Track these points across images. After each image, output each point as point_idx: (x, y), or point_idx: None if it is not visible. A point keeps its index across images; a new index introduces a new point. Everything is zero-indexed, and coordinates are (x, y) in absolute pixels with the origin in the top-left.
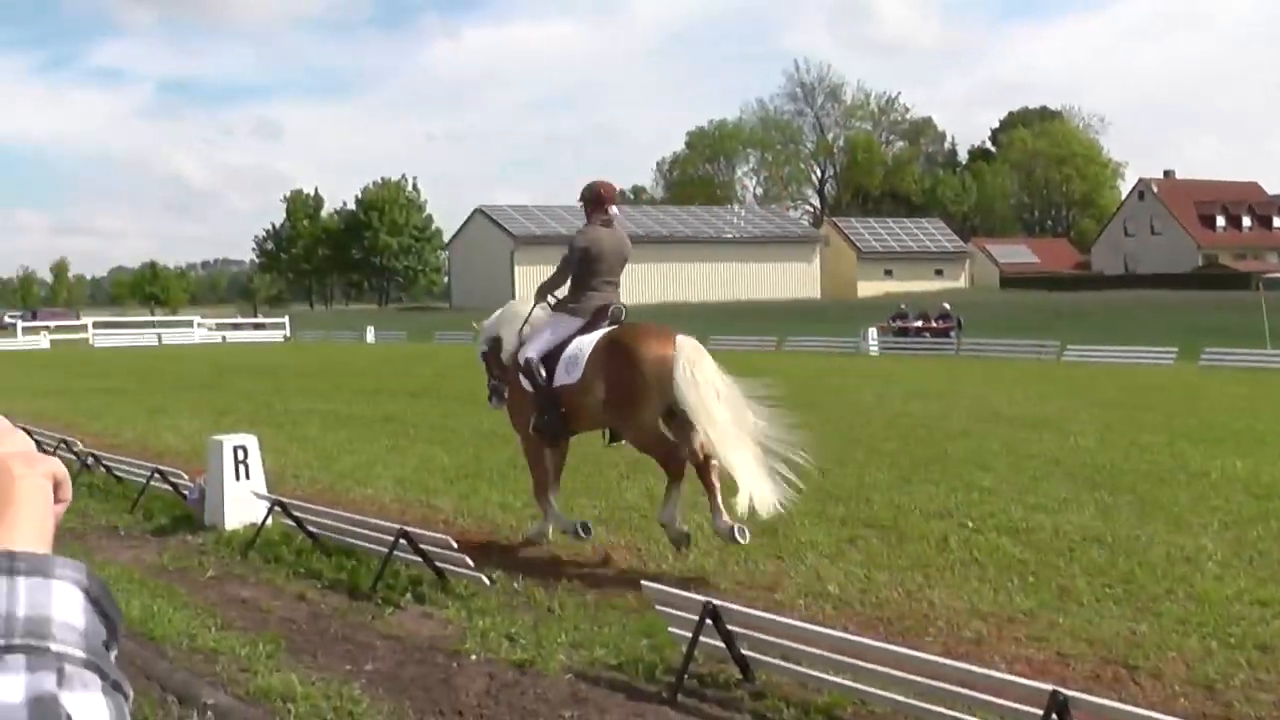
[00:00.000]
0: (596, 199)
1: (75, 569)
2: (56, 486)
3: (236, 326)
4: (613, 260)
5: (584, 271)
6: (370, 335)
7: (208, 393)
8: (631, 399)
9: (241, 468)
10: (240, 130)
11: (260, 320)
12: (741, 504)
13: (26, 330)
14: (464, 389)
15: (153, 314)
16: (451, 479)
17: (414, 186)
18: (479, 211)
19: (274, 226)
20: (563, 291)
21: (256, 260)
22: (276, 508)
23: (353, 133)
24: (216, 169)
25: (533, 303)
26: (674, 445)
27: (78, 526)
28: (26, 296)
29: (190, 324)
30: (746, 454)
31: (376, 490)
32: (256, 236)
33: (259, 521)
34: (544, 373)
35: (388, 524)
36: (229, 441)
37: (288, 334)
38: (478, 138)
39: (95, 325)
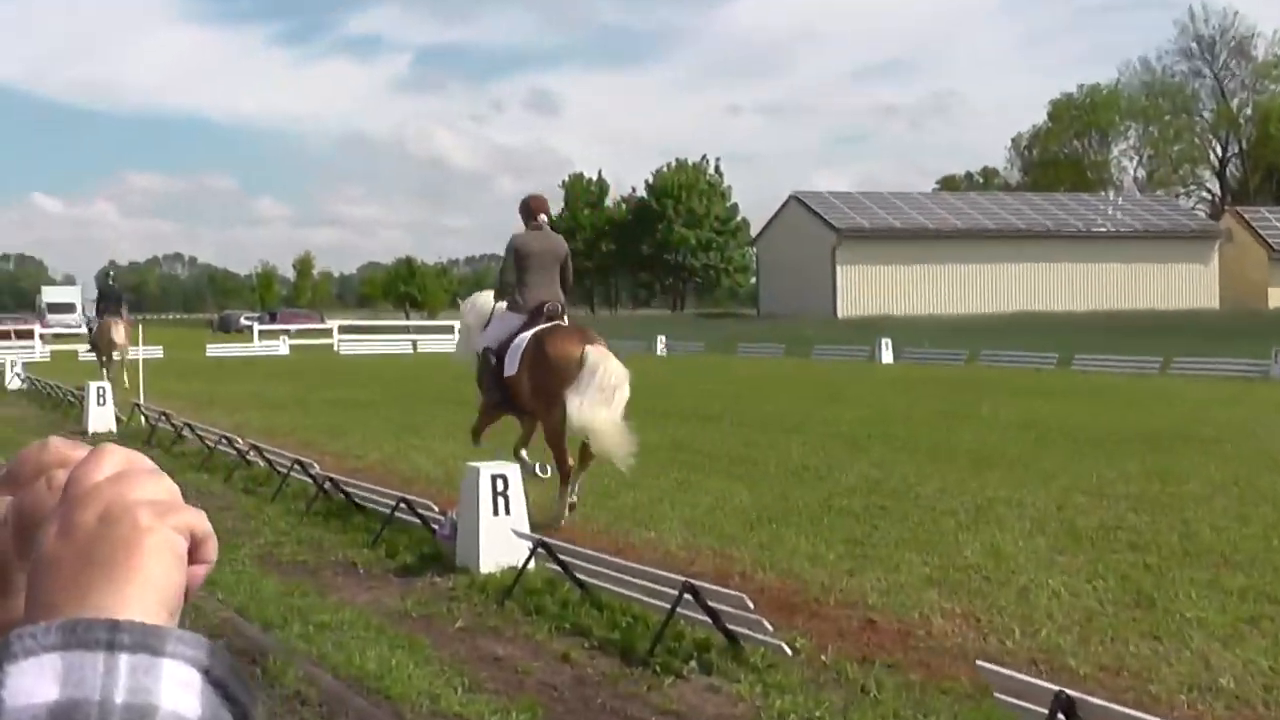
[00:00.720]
0: (527, 210)
1: (194, 644)
2: (196, 545)
3: None
4: (544, 259)
5: (520, 270)
6: (661, 346)
7: (466, 410)
8: (546, 392)
9: (501, 500)
10: (512, 104)
11: None
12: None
13: (264, 334)
14: (771, 412)
15: (408, 317)
16: (752, 523)
17: (716, 170)
18: (794, 199)
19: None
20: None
21: None
22: (540, 549)
23: (643, 106)
24: (483, 150)
25: (492, 298)
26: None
27: (310, 560)
28: (266, 296)
29: (450, 330)
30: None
31: (661, 533)
32: None
33: (519, 565)
34: (495, 360)
35: (671, 575)
36: (487, 469)
37: None
38: (792, 111)
39: (341, 330)
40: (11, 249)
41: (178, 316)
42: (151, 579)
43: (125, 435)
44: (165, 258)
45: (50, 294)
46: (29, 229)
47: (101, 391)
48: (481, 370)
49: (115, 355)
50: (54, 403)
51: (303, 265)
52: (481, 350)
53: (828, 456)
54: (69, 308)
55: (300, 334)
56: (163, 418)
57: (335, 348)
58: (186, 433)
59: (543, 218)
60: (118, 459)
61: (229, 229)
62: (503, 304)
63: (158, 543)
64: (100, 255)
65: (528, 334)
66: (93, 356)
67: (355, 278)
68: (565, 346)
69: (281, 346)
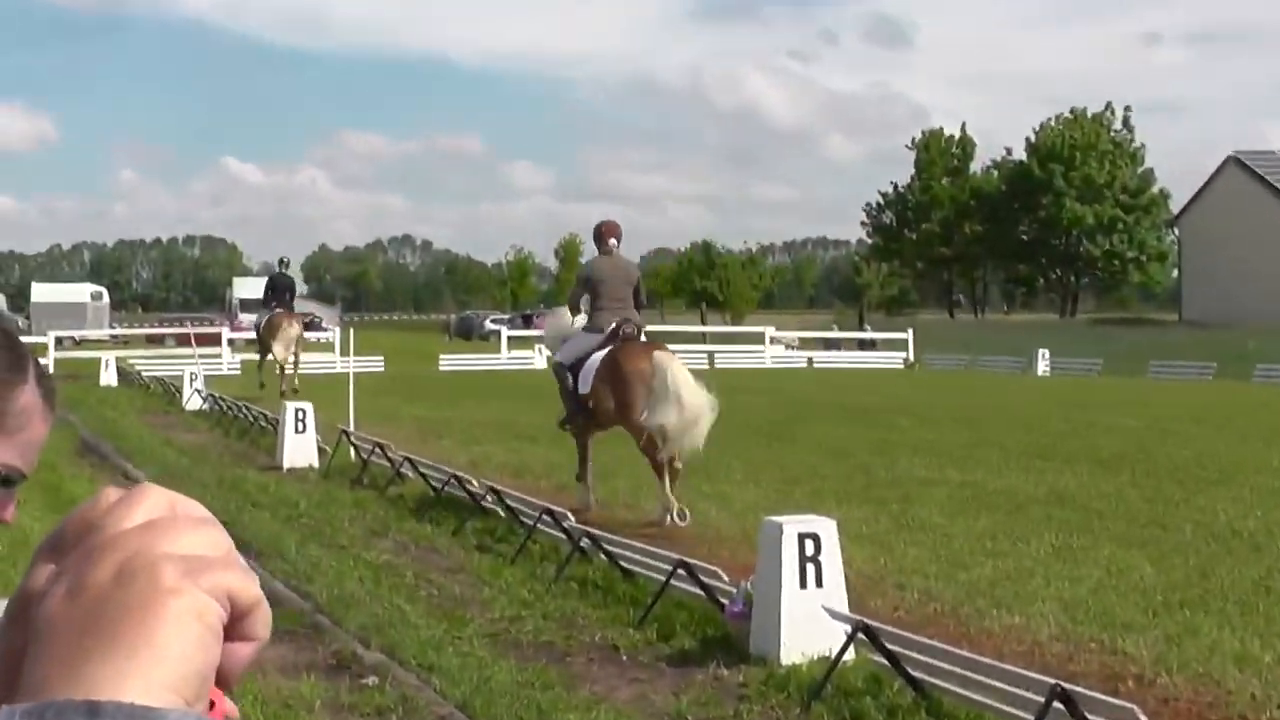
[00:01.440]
0: (599, 236)
1: None
2: (239, 616)
3: (830, 344)
4: (616, 284)
5: (593, 296)
6: (1042, 363)
7: (776, 446)
8: (624, 405)
9: (811, 567)
10: (848, 36)
11: (868, 335)
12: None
13: (515, 342)
14: (1190, 457)
15: (703, 321)
16: (1155, 607)
17: (1124, 123)
18: (1233, 161)
19: (895, 189)
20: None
21: (867, 240)
22: (862, 634)
23: (1023, 37)
24: (809, 98)
25: (569, 314)
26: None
27: (559, 641)
28: (519, 292)
29: (760, 338)
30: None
31: (1029, 617)
32: (868, 204)
33: (833, 654)
34: (572, 379)
35: (1040, 677)
36: (793, 526)
37: (910, 358)
38: (1233, 39)
39: None
40: (196, 229)
41: (405, 317)
42: (166, 652)
43: (331, 472)
44: (390, 241)
45: (244, 287)
46: (219, 204)
47: (301, 415)
48: (560, 386)
49: (281, 354)
50: (241, 428)
51: (568, 251)
52: (556, 365)
53: (1267, 520)
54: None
55: None
56: (377, 450)
57: None
58: (407, 470)
59: (613, 242)
60: (156, 502)
61: (472, 205)
62: (581, 320)
63: (182, 608)
64: (307, 238)
65: (602, 353)
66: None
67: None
68: (636, 361)
69: (538, 359)
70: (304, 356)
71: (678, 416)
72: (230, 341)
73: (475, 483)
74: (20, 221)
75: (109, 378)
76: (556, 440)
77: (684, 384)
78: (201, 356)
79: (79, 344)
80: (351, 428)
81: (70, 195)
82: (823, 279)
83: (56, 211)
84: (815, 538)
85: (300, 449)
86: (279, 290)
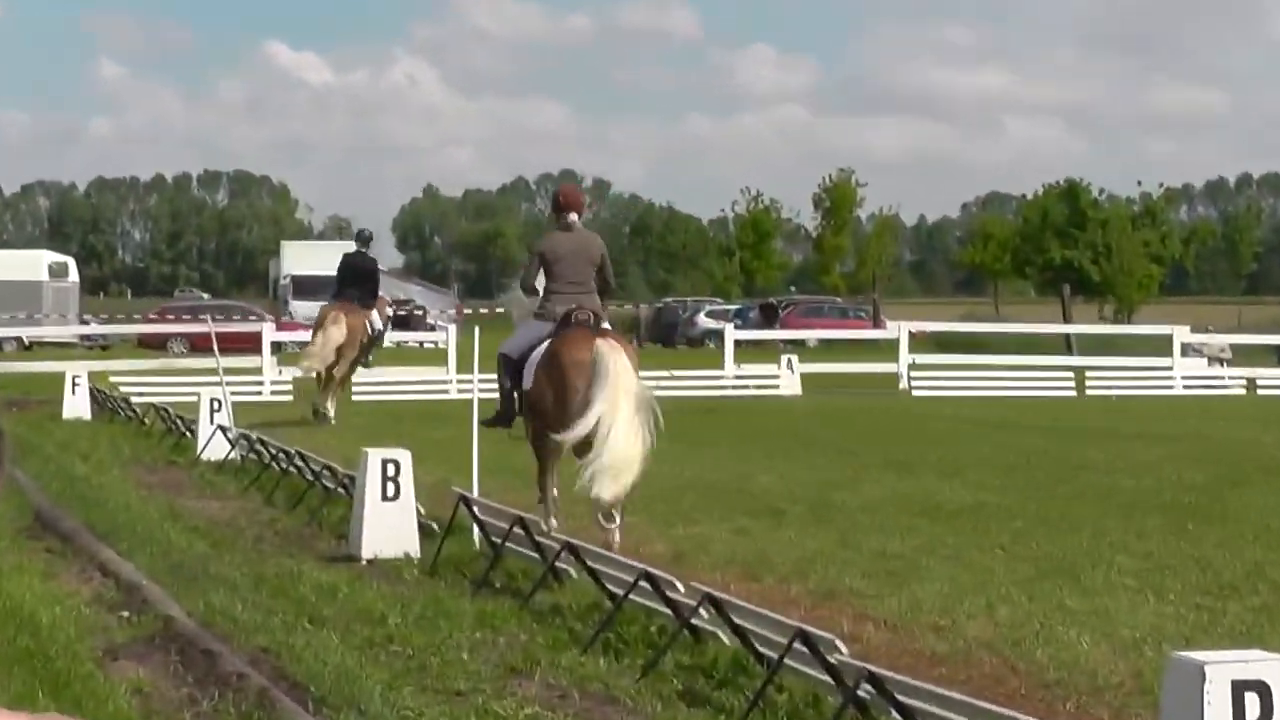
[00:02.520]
0: (557, 206)
1: None
2: None
3: None
4: (575, 263)
5: (548, 277)
6: None
7: (1193, 529)
8: (558, 402)
9: None
10: None
11: None
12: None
13: (747, 348)
14: None
15: (1066, 315)
16: None
17: None
18: None
19: (579, 215)
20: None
21: None
22: None
23: None
24: None
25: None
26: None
27: None
28: (755, 264)
29: (1166, 344)
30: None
31: None
32: None
33: None
34: (515, 372)
35: None
36: (1224, 669)
37: None
38: None
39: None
40: (221, 161)
41: None
42: None
43: (440, 565)
44: (540, 183)
45: (298, 257)
46: (260, 119)
47: (391, 472)
48: (500, 379)
49: (316, 359)
50: (293, 491)
51: (836, 199)
52: (499, 355)
53: None
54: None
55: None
56: (517, 530)
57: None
58: (567, 563)
59: (573, 217)
60: None
61: (676, 122)
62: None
63: None
64: (402, 178)
65: (543, 346)
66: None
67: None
68: (575, 350)
69: (787, 377)
70: (397, 372)
71: (604, 421)
72: (277, 347)
73: (680, 587)
74: None
75: (78, 405)
76: (815, 515)
77: (624, 385)
78: (229, 371)
79: (28, 348)
80: (475, 492)
81: (14, 102)
82: (1273, 247)
83: None
84: (1261, 689)
85: (390, 527)
86: (354, 278)
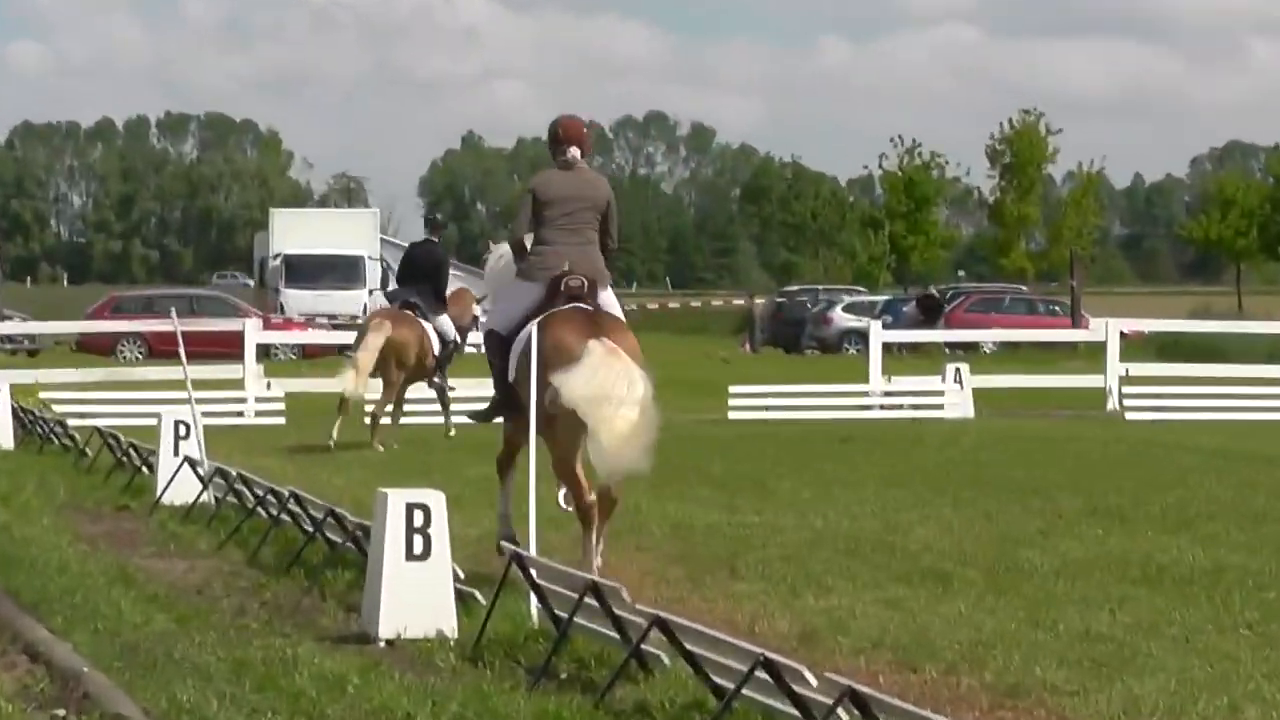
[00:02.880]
0: (554, 139)
1: None
2: None
3: None
4: (574, 209)
5: (539, 224)
6: None
7: None
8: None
9: None
10: None
11: None
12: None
13: (905, 355)
14: None
15: None
16: None
17: None
18: None
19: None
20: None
21: None
22: None
23: None
24: None
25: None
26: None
27: None
28: (914, 239)
29: None
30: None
31: None
32: None
33: None
34: (500, 356)
35: None
36: None
37: None
38: None
39: None
40: (187, 101)
41: (647, 292)
42: None
43: (487, 647)
44: (621, 128)
45: (289, 230)
46: (242, 44)
47: (418, 520)
48: (490, 360)
49: (351, 383)
50: (285, 545)
51: (1019, 148)
52: (485, 333)
53: None
54: (345, 270)
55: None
56: (590, 597)
57: None
58: (658, 646)
59: (574, 151)
60: None
61: (808, 48)
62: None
63: None
64: (437, 124)
65: (530, 325)
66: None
67: None
68: (561, 334)
69: (954, 393)
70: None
71: (586, 391)
72: (264, 351)
73: (810, 678)
74: None
75: None
76: (994, 581)
77: (622, 396)
78: (200, 385)
79: None
80: (532, 548)
81: None
82: None
83: None
84: None
85: (417, 596)
86: (413, 274)
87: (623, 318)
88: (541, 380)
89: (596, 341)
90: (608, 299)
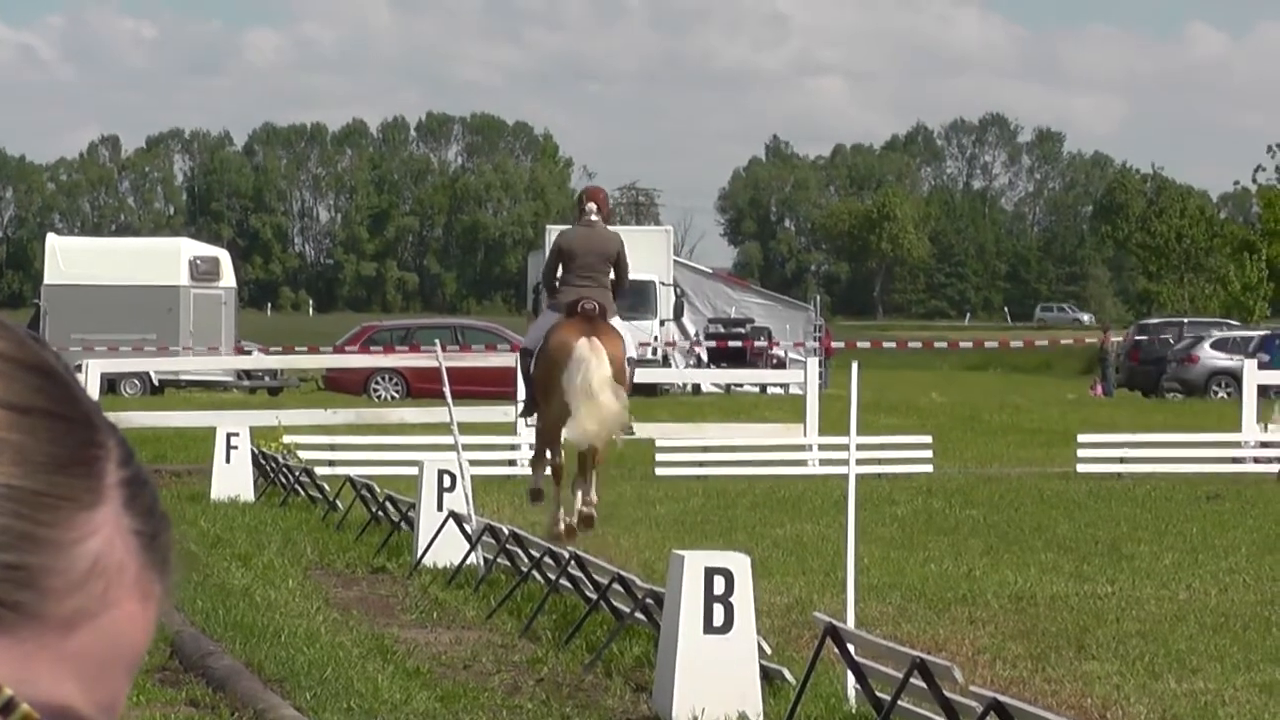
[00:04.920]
0: (579, 201)
1: None
2: None
3: None
4: (590, 258)
5: (563, 268)
6: None
7: None
8: (542, 383)
9: None
10: None
11: None
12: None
13: None
14: None
15: None
16: None
17: None
18: None
19: (601, 212)
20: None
21: None
22: None
23: None
24: None
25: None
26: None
27: None
28: None
29: None
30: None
31: None
32: None
33: None
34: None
35: None
36: None
37: None
38: None
39: None
40: (449, 98)
41: (959, 324)
42: None
43: None
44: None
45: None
46: (507, 32)
47: (724, 587)
48: (523, 369)
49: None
50: (565, 615)
51: None
52: (522, 350)
53: None
54: (633, 297)
55: None
56: None
57: None
58: None
59: (591, 206)
60: None
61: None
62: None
63: None
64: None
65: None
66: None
67: None
68: (564, 335)
69: None
70: (721, 431)
71: (577, 396)
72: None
73: None
74: None
75: (234, 478)
76: None
77: (592, 389)
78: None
79: (158, 390)
80: (850, 621)
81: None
82: None
83: None
84: None
85: (717, 673)
86: (577, 264)
87: (623, 335)
88: (545, 370)
89: (586, 340)
90: (617, 325)
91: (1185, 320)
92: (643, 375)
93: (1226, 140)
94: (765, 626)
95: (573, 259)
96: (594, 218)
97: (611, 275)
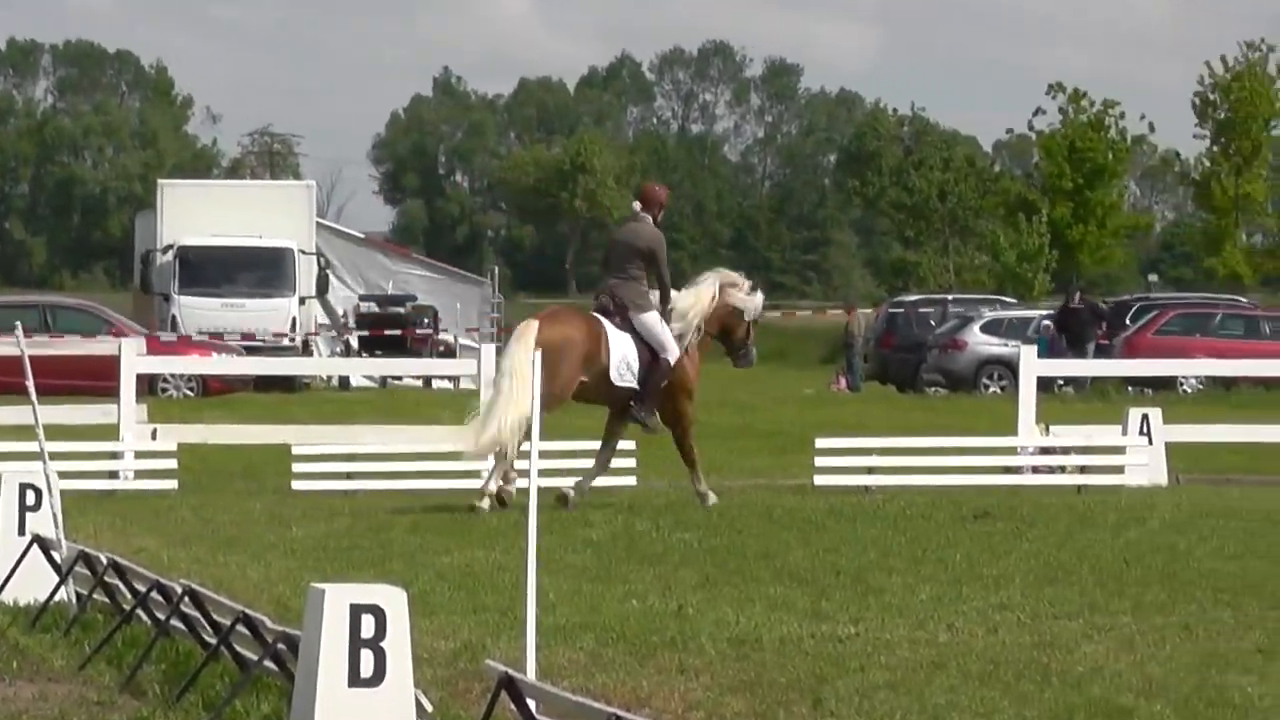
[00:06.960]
0: (635, 196)
1: None
2: None
3: None
4: (621, 252)
5: (603, 264)
6: None
7: None
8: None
9: None
10: None
11: None
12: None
13: None
14: None
15: None
16: None
17: None
18: None
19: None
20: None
21: None
22: None
23: None
24: None
25: None
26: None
27: None
28: None
29: None
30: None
31: None
32: None
33: None
34: None
35: None
36: None
37: None
38: None
39: None
40: (42, 24)
41: None
42: None
43: None
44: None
45: (185, 210)
46: None
47: (373, 629)
48: None
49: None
50: (176, 664)
51: None
52: None
53: None
54: (266, 268)
55: None
56: None
57: None
58: None
59: (636, 205)
60: None
61: None
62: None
63: None
64: (388, 83)
65: None
66: None
67: None
68: (523, 325)
69: None
70: (369, 434)
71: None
72: (150, 385)
73: None
74: None
75: None
76: None
77: (511, 368)
78: (55, 434)
79: None
80: (530, 671)
81: None
82: None
83: None
84: None
85: None
86: (609, 260)
87: (666, 341)
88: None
89: (526, 323)
90: (649, 320)
91: (950, 297)
92: (277, 367)
93: (1001, 78)
94: (426, 677)
95: (610, 253)
96: (638, 208)
97: (642, 269)
